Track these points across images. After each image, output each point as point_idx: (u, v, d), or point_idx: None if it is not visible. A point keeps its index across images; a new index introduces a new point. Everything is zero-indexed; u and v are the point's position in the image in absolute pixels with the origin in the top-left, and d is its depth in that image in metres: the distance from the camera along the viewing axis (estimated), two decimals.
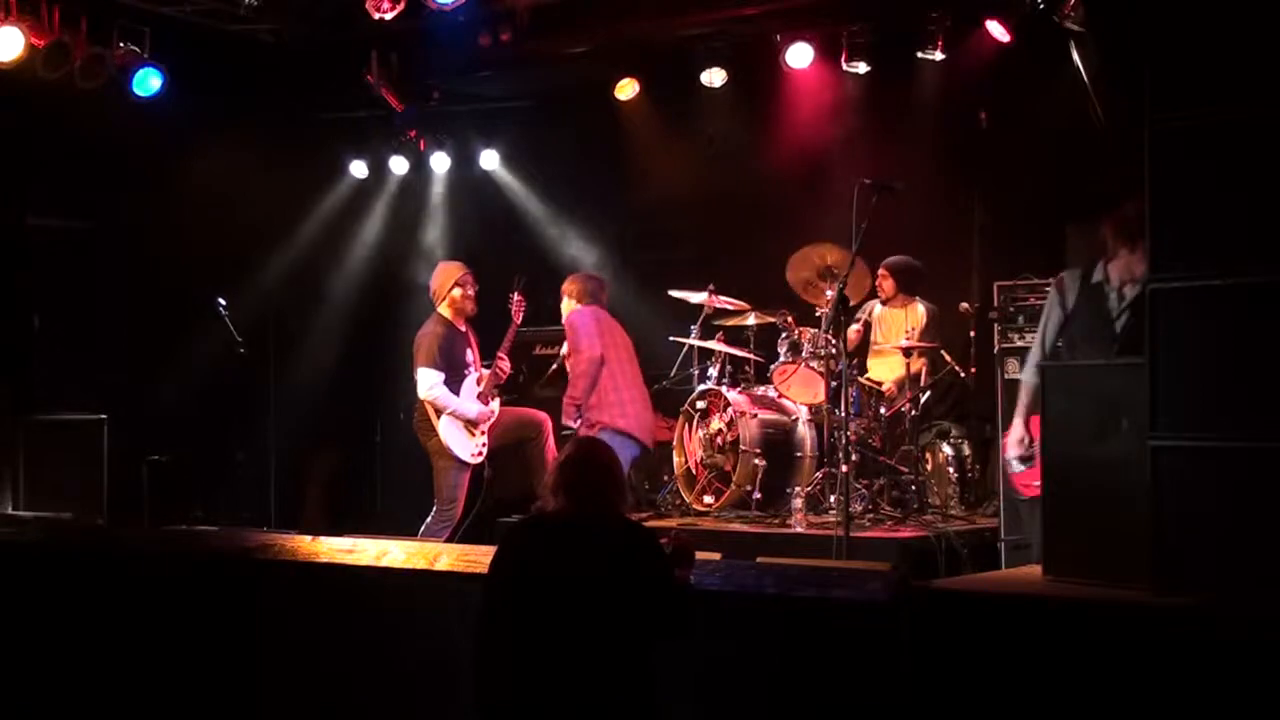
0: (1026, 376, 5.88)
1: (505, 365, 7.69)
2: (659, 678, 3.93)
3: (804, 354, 7.94)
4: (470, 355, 7.61)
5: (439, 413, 7.40)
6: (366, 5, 7.78)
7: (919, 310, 8.18)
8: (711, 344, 8.18)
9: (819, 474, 7.87)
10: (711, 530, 7.31)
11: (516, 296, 7.70)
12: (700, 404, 8.11)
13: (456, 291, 7.56)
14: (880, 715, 4.44)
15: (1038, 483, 5.73)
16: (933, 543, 6.96)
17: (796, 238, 8.42)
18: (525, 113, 9.97)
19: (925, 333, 8.03)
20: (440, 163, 10.00)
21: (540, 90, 9.73)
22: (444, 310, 7.57)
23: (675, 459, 8.24)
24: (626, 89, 9.23)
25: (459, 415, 7.41)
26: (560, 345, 9.59)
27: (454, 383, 7.45)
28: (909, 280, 8.23)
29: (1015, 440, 5.82)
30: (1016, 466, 6.00)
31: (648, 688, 3.90)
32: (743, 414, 7.92)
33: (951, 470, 7.93)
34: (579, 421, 7.45)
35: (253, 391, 9.12)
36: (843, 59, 8.38)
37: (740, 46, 8.72)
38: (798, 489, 7.71)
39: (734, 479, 7.90)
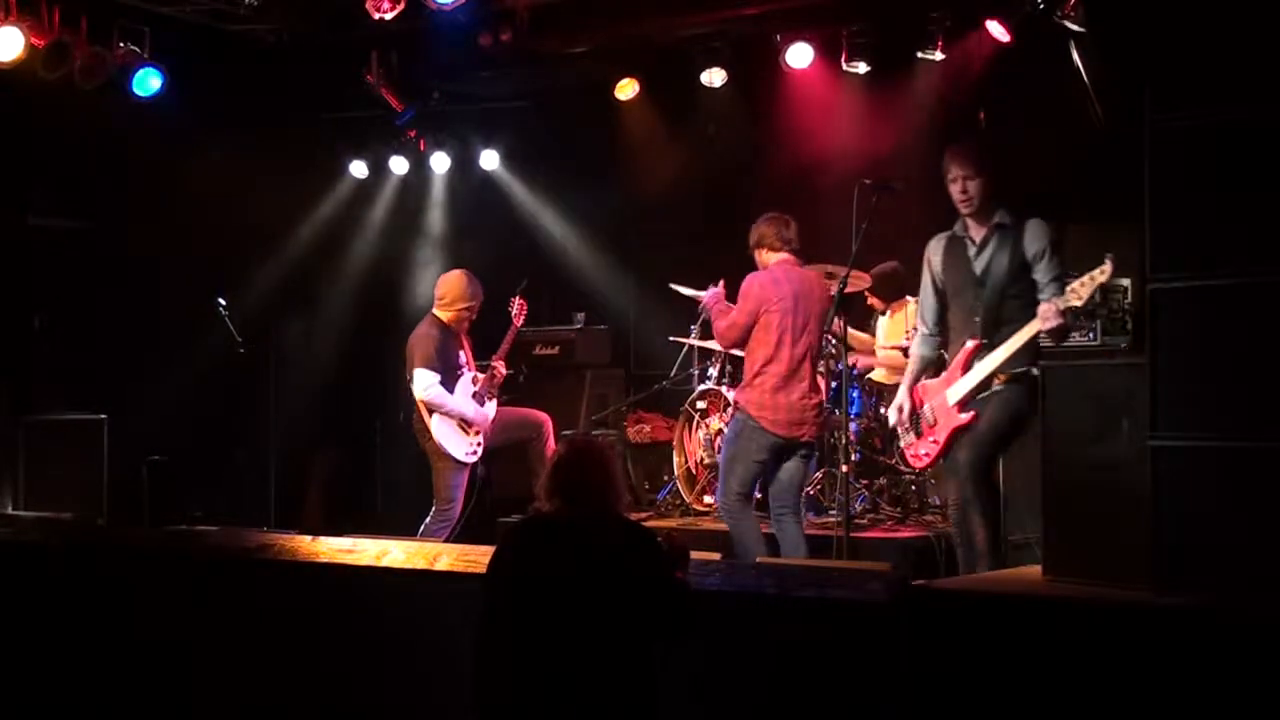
0: (914, 348, 6.06)
1: (501, 369, 7.68)
2: (659, 678, 3.93)
3: None
4: (463, 356, 7.61)
5: (433, 413, 7.40)
6: (366, 5, 7.78)
7: (909, 310, 8.18)
8: (711, 344, 8.17)
9: (819, 474, 7.87)
10: (711, 530, 7.31)
11: (518, 301, 7.68)
12: (700, 404, 8.11)
13: (463, 313, 7.55)
14: (880, 715, 4.44)
15: (924, 451, 5.81)
16: (933, 543, 6.96)
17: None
18: (525, 113, 9.97)
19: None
20: (440, 163, 9.99)
21: (540, 90, 9.73)
22: (441, 314, 7.57)
23: (675, 459, 8.24)
24: (626, 89, 9.23)
25: (454, 414, 7.41)
26: (557, 346, 9.63)
27: (448, 384, 7.44)
28: (890, 285, 8.21)
29: (894, 408, 5.96)
30: (903, 437, 6.04)
31: (648, 688, 3.90)
32: None
33: None
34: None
35: (253, 391, 9.11)
36: (843, 59, 8.38)
37: (740, 46, 8.71)
38: None
39: None
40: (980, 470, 5.59)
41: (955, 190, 5.72)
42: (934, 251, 5.87)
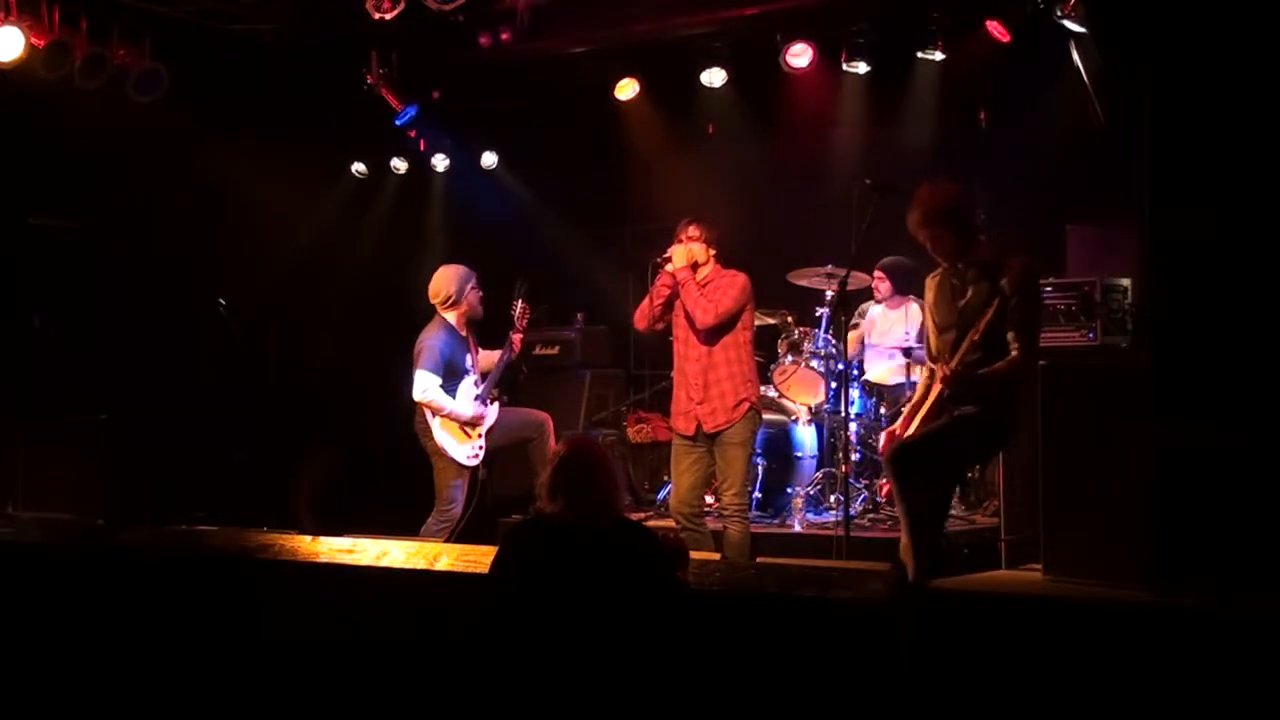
0: (920, 377, 5.80)
1: (518, 341, 7.62)
2: (659, 678, 3.93)
3: (804, 354, 7.94)
4: (470, 360, 7.60)
5: (434, 414, 7.40)
6: (366, 5, 7.78)
7: (914, 309, 8.18)
8: None
9: (819, 474, 7.88)
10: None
11: (520, 304, 7.65)
12: None
13: (472, 296, 7.53)
14: (880, 715, 4.44)
15: (883, 480, 5.74)
16: None
17: (797, 238, 8.41)
18: (525, 113, 9.96)
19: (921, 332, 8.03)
20: (440, 163, 10.00)
21: (540, 90, 9.73)
22: (448, 315, 7.56)
23: None
24: (626, 89, 9.22)
25: (454, 418, 7.40)
26: (557, 346, 9.61)
27: (451, 387, 7.44)
28: (904, 280, 8.23)
29: (886, 433, 5.65)
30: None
31: (648, 688, 3.90)
32: None
33: None
34: None
35: (253, 391, 9.11)
36: (843, 59, 8.38)
37: (740, 46, 8.72)
38: (798, 489, 7.71)
39: None
40: (900, 470, 5.34)
41: (925, 243, 5.50)
42: (929, 286, 5.68)
